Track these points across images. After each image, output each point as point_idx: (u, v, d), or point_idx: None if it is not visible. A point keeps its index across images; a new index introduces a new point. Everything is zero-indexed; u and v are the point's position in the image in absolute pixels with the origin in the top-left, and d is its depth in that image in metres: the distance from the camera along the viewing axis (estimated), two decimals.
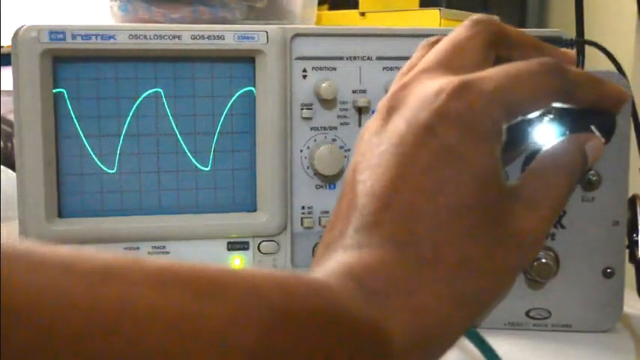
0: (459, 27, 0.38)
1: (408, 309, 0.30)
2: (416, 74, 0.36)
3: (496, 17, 0.41)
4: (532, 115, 0.37)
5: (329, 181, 0.62)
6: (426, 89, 0.35)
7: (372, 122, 0.36)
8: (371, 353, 0.29)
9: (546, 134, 0.44)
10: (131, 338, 0.24)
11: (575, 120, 0.43)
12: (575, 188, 0.37)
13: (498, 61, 0.38)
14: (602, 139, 0.39)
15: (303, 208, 0.62)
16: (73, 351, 0.23)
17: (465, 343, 0.39)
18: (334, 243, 0.33)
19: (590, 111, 0.42)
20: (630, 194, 0.46)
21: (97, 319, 0.24)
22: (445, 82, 0.34)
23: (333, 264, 0.31)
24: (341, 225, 0.34)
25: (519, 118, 0.37)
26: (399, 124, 0.34)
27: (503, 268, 0.32)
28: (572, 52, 0.42)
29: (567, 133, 0.43)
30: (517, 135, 0.42)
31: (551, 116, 0.43)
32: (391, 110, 0.35)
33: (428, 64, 0.37)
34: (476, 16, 0.39)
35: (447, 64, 0.36)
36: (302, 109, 0.60)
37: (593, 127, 0.42)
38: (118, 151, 0.59)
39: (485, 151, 0.33)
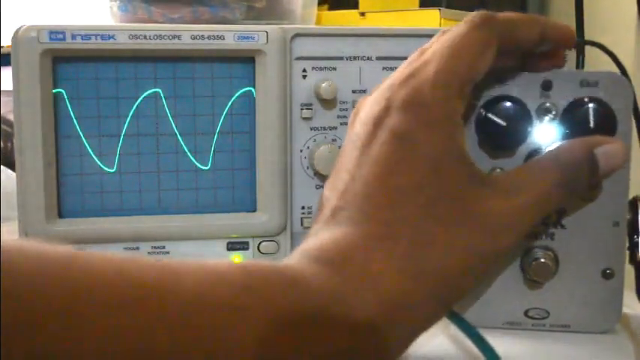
0: (469, 27, 0.37)
1: (365, 282, 0.30)
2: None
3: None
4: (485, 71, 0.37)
5: None
6: (380, 87, 0.36)
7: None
8: (338, 326, 0.29)
9: (546, 134, 0.44)
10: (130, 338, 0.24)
11: (575, 120, 0.43)
12: (574, 189, 0.37)
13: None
14: (626, 144, 0.38)
15: (303, 208, 0.62)
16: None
17: (465, 341, 0.39)
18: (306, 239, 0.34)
19: (592, 111, 0.42)
20: (631, 195, 0.45)
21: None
22: (395, 76, 0.35)
23: (296, 251, 0.33)
24: (312, 224, 0.35)
25: (509, 118, 0.37)
26: (357, 126, 0.36)
27: (469, 248, 0.33)
28: (570, 27, 0.42)
29: (568, 132, 0.43)
30: (517, 133, 0.42)
31: (551, 116, 0.44)
32: (354, 117, 0.37)
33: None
34: (473, 13, 0.38)
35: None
36: (302, 109, 0.60)
37: (592, 127, 0.42)
38: (118, 151, 0.59)
39: (439, 134, 0.33)
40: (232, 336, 0.26)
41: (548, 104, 0.44)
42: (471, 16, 0.37)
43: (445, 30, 0.39)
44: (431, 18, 0.94)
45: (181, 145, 0.60)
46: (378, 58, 0.61)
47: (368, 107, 0.35)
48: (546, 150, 0.38)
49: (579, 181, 0.37)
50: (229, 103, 0.60)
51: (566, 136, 0.42)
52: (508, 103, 0.42)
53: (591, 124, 0.42)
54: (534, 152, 0.44)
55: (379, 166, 0.33)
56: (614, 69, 0.60)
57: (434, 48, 0.36)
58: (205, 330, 0.26)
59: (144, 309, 0.25)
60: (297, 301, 0.29)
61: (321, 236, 0.33)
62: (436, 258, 0.32)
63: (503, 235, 0.34)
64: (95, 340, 0.23)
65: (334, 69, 0.61)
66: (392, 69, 0.61)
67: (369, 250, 0.31)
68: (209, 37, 0.58)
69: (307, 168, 0.61)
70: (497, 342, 0.37)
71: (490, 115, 0.42)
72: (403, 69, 0.36)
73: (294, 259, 0.32)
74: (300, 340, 0.28)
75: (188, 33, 0.58)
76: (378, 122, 0.34)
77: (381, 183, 0.33)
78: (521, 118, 0.42)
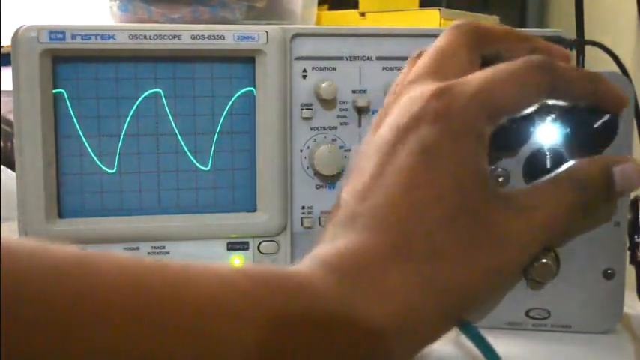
0: (441, 35, 0.39)
1: (376, 292, 0.30)
2: (404, 85, 0.37)
3: (495, 18, 0.41)
4: (527, 112, 0.37)
5: (329, 181, 0.62)
6: (410, 96, 0.36)
7: (369, 133, 0.37)
8: (343, 333, 0.29)
9: (548, 134, 0.44)
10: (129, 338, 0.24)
11: (577, 120, 0.43)
12: (589, 208, 0.36)
13: (486, 63, 0.38)
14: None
15: (303, 208, 0.62)
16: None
17: (465, 341, 0.39)
18: (318, 241, 0.34)
19: (594, 111, 0.42)
20: (632, 196, 0.45)
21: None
22: (427, 87, 0.35)
23: (307, 257, 0.32)
24: (326, 226, 0.35)
25: (510, 118, 0.37)
26: (383, 131, 0.35)
27: (483, 266, 0.32)
28: (564, 50, 0.42)
29: (569, 132, 0.43)
30: (519, 134, 0.42)
31: (553, 116, 0.43)
32: (380, 121, 0.37)
33: (416, 75, 0.38)
34: (455, 22, 0.39)
35: (434, 72, 0.37)
36: (302, 109, 0.60)
37: (595, 127, 0.42)
38: (118, 151, 0.59)
39: (464, 150, 0.33)
40: (235, 342, 0.26)
41: (549, 104, 0.44)
42: (533, 58, 0.36)
43: (459, 25, 0.38)
44: (431, 18, 0.94)
45: (181, 145, 0.60)
46: (378, 58, 0.61)
47: (398, 113, 0.35)
48: (562, 167, 0.38)
49: (594, 200, 0.36)
50: (229, 103, 0.60)
51: (567, 137, 0.42)
52: None
53: (593, 124, 0.42)
54: (536, 152, 0.44)
55: (404, 177, 0.33)
56: (615, 69, 0.60)
57: (481, 72, 0.35)
58: (210, 338, 0.26)
59: (148, 316, 0.25)
60: (303, 307, 0.29)
61: (336, 243, 0.33)
62: (451, 274, 0.32)
63: (518, 252, 0.34)
64: (96, 346, 0.23)
65: (334, 69, 0.61)
66: (392, 69, 0.61)
67: (385, 262, 0.31)
68: (209, 37, 0.58)
69: (307, 168, 0.61)
70: (498, 342, 0.37)
71: None
72: (435, 82, 0.36)
73: (306, 264, 0.32)
74: (304, 347, 0.28)
75: (188, 33, 0.58)
76: (407, 131, 0.34)
77: (403, 194, 0.33)
78: (523, 118, 0.42)
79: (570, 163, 0.38)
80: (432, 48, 0.38)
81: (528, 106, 0.37)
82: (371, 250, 0.32)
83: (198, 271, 0.28)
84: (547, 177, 0.37)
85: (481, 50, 0.39)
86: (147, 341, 0.24)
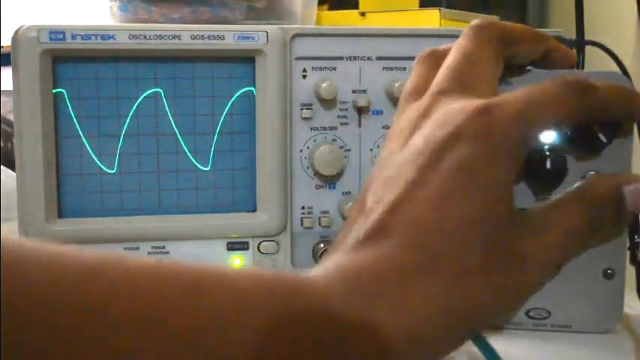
0: (463, 37, 0.38)
1: (396, 310, 0.30)
2: (434, 97, 0.36)
3: (495, 18, 0.41)
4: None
5: (329, 181, 0.62)
6: (447, 111, 0.35)
7: (393, 142, 0.36)
8: (357, 351, 0.29)
9: (548, 135, 0.44)
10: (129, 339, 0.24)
11: None
12: (600, 227, 0.36)
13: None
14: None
15: (303, 208, 0.62)
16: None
17: (467, 343, 0.39)
18: (337, 246, 0.33)
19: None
20: None
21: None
22: (467, 104, 0.34)
23: (328, 264, 0.32)
24: (347, 230, 0.34)
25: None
26: (418, 141, 0.34)
27: (500, 288, 0.32)
28: (571, 51, 0.42)
29: (569, 133, 0.43)
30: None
31: None
32: (412, 131, 0.35)
33: (444, 85, 0.37)
34: (475, 22, 0.38)
35: (464, 82, 0.36)
36: (302, 109, 0.60)
37: (595, 128, 0.42)
38: (118, 151, 0.59)
39: (500, 172, 0.33)
40: (238, 348, 0.26)
41: None
42: (573, 80, 0.36)
43: (478, 26, 0.38)
44: (431, 18, 0.94)
45: (181, 145, 0.60)
46: (378, 58, 0.61)
47: (433, 128, 0.34)
48: (574, 186, 0.38)
49: (605, 219, 0.36)
50: (229, 103, 0.60)
51: (567, 138, 0.42)
52: None
53: (593, 125, 0.42)
54: (536, 153, 0.44)
55: (438, 194, 0.32)
56: (615, 69, 0.60)
57: (521, 92, 0.35)
58: (220, 354, 0.25)
59: (153, 327, 0.25)
60: (316, 321, 0.28)
61: (364, 255, 0.32)
62: (471, 298, 0.31)
63: (535, 275, 0.33)
64: (101, 353, 0.23)
65: (334, 69, 0.61)
66: (392, 69, 0.61)
67: (407, 281, 0.31)
68: (209, 37, 0.58)
69: (307, 168, 0.61)
70: (498, 342, 0.37)
71: None
72: (469, 93, 0.36)
73: (328, 272, 0.31)
74: (315, 354, 0.28)
75: (188, 33, 0.58)
76: (445, 146, 0.33)
77: (436, 212, 0.32)
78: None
79: (580, 182, 0.38)
80: (456, 53, 0.37)
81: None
82: (397, 266, 0.31)
83: (213, 283, 0.27)
84: (559, 196, 0.37)
85: (504, 53, 0.38)
86: (151, 351, 0.24)
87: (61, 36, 0.56)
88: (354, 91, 0.61)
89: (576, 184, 0.37)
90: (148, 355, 0.24)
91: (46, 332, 0.23)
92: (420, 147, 0.34)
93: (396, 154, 0.35)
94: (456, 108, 0.34)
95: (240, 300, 0.27)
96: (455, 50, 0.38)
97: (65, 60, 0.57)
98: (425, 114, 0.36)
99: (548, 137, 0.44)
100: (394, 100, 0.60)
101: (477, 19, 0.39)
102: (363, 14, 1.05)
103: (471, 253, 0.32)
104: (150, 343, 0.24)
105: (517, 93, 0.35)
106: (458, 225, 0.32)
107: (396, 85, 0.60)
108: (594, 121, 0.39)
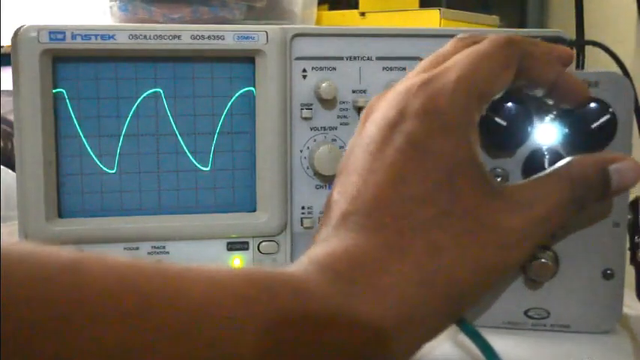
0: (494, 46, 0.36)
1: (372, 290, 0.30)
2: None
3: (495, 18, 0.41)
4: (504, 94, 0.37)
5: (329, 181, 0.62)
6: (395, 91, 0.35)
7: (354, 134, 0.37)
8: (339, 333, 0.29)
9: (547, 134, 0.44)
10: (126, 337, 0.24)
11: (575, 120, 0.43)
12: (584, 205, 0.36)
13: None
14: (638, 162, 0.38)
15: (303, 208, 0.62)
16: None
17: (465, 341, 0.39)
18: (313, 242, 0.34)
19: (593, 112, 0.42)
20: (632, 196, 0.45)
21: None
22: (412, 80, 0.35)
23: (302, 257, 0.32)
24: (320, 227, 0.35)
25: (509, 118, 0.37)
26: (370, 127, 0.35)
27: (480, 261, 0.32)
28: (568, 49, 0.42)
29: (568, 132, 0.43)
30: (517, 134, 0.42)
31: (552, 116, 0.44)
32: (365, 118, 0.36)
33: (424, 65, 0.37)
34: (501, 38, 0.37)
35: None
36: (302, 109, 0.60)
37: (593, 127, 0.42)
38: (118, 151, 0.59)
39: (456, 143, 0.33)
40: (232, 347, 0.26)
41: (548, 103, 0.44)
42: (496, 36, 0.37)
43: (463, 37, 0.38)
44: (431, 18, 0.94)
45: (181, 145, 0.60)
46: (378, 58, 0.61)
47: (383, 110, 0.35)
48: (559, 163, 0.38)
49: (590, 197, 0.36)
50: (229, 103, 0.60)
51: (566, 137, 0.42)
52: (509, 103, 0.42)
53: (591, 125, 0.42)
54: (535, 152, 0.44)
55: (393, 173, 0.32)
56: (615, 69, 0.60)
57: (456, 58, 0.35)
58: (206, 342, 0.26)
59: (145, 321, 0.25)
60: (300, 311, 0.28)
61: (331, 243, 0.32)
62: (446, 270, 0.31)
63: (514, 248, 0.33)
64: (93, 352, 0.23)
65: (334, 69, 0.61)
66: (392, 69, 0.61)
67: (380, 261, 0.31)
68: (209, 37, 0.58)
69: (307, 168, 0.61)
70: (498, 342, 0.37)
71: (491, 115, 0.42)
72: (420, 74, 0.35)
73: (302, 265, 0.31)
74: (301, 347, 0.28)
75: (188, 33, 0.58)
76: (393, 127, 0.33)
77: (394, 191, 0.32)
78: (523, 118, 0.42)
79: (567, 159, 0.38)
80: (471, 50, 0.37)
81: (505, 85, 0.37)
82: (365, 249, 0.31)
83: (195, 275, 0.28)
84: (543, 172, 0.37)
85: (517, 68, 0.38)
86: (143, 344, 0.24)
87: (61, 36, 0.56)
88: (354, 91, 0.61)
89: (561, 162, 0.37)
90: (137, 345, 0.24)
91: (33, 326, 0.23)
92: (371, 132, 0.35)
93: (355, 140, 0.36)
94: (402, 87, 0.35)
95: (223, 293, 0.27)
96: (455, 44, 0.38)
97: (65, 60, 0.57)
98: (378, 98, 0.37)
99: (548, 138, 0.44)
100: None
101: (501, 35, 0.38)
102: (363, 14, 1.05)
103: (436, 226, 0.32)
104: (134, 335, 0.24)
105: (452, 60, 0.35)
106: (418, 201, 0.32)
107: None
108: (524, 84, 0.39)
